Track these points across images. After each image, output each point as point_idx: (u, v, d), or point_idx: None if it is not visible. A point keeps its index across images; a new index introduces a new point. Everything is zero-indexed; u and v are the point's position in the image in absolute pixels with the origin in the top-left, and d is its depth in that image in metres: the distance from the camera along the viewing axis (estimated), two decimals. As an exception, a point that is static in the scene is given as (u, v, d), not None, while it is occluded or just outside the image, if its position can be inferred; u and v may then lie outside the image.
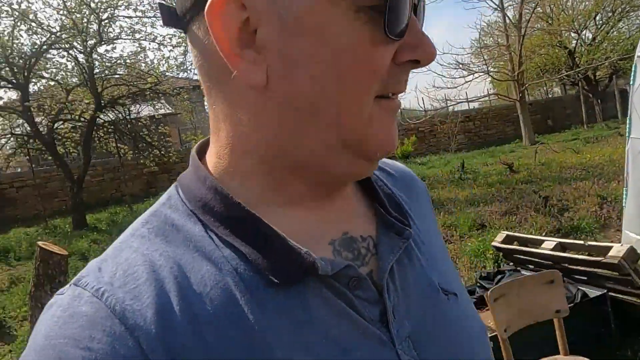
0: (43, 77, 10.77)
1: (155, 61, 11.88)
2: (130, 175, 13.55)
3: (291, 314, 0.44)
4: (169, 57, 12.31)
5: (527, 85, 16.78)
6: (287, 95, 0.44)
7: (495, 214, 6.79)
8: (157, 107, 13.07)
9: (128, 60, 11.14)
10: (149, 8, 10.65)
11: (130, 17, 12.12)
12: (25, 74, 9.87)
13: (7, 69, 9.85)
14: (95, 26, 9.93)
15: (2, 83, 10.02)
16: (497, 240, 3.91)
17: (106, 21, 10.09)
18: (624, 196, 3.67)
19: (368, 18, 0.41)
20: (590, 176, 8.07)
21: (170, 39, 10.78)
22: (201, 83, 0.49)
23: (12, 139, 11.14)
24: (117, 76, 11.40)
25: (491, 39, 19.87)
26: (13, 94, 10.56)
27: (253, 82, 0.43)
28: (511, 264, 3.91)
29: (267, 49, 0.43)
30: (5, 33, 9.71)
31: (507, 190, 8.26)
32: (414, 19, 0.44)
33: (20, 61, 9.83)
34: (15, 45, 9.73)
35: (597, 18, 16.78)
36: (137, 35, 10.67)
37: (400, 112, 12.50)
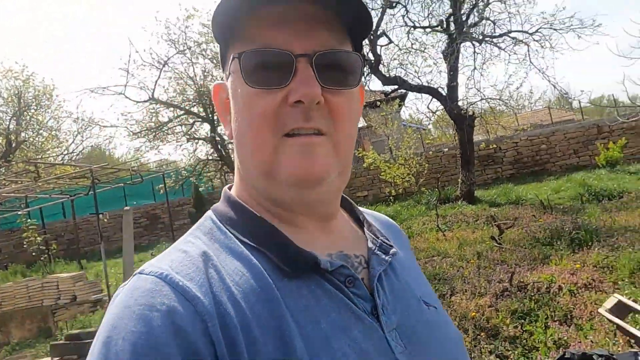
0: None
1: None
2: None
3: (301, 297, 0.58)
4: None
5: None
6: (235, 140, 0.67)
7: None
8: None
9: None
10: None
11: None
12: (210, 109, 11.76)
13: (200, 106, 11.92)
14: None
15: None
16: (606, 306, 3.03)
17: None
18: None
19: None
20: None
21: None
22: None
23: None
24: None
25: None
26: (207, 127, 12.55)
27: (228, 135, 0.69)
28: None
29: (232, 113, 0.67)
30: (200, 74, 11.75)
31: None
32: (301, 69, 0.60)
33: (207, 99, 11.60)
34: (206, 83, 11.69)
35: None
36: None
37: (616, 109, 10.79)
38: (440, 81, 11.13)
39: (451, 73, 10.65)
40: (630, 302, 3.12)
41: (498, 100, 11.49)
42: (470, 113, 10.68)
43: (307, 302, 0.58)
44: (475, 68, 11.09)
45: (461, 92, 11.46)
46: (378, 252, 0.70)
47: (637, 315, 3.11)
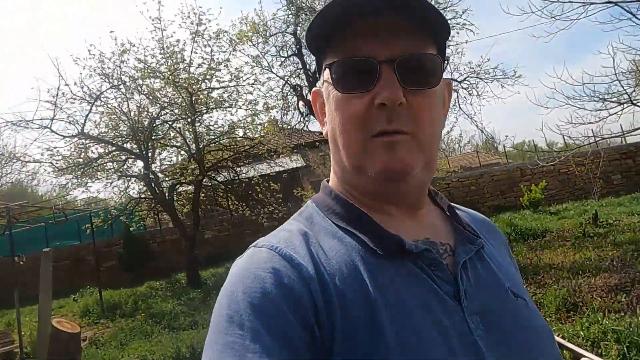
0: (166, 146, 12.02)
1: (253, 127, 12.01)
2: (251, 229, 14.18)
3: (388, 274, 0.65)
4: (264, 122, 11.92)
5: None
6: (330, 139, 0.76)
7: (599, 289, 5.14)
8: (270, 165, 13.77)
9: (226, 128, 11.87)
10: (237, 75, 11.23)
11: (218, 88, 11.52)
12: (145, 145, 11.20)
13: (134, 142, 11.22)
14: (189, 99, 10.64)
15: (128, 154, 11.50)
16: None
17: (198, 94, 10.73)
18: None
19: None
20: None
21: (256, 103, 11.31)
22: None
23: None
24: (213, 143, 12.05)
25: None
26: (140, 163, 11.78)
27: (325, 134, 0.78)
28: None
29: (327, 115, 0.76)
30: (135, 110, 11.21)
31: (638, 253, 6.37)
32: (385, 74, 0.66)
33: (141, 135, 11.06)
34: (141, 119, 11.14)
35: None
36: (226, 104, 11.32)
37: (536, 154, 11.23)
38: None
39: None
40: (558, 339, 3.22)
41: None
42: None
43: (393, 278, 0.65)
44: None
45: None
46: (464, 242, 0.75)
47: (564, 351, 3.21)
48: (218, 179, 12.59)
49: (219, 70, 10.89)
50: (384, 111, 0.66)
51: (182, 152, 12.23)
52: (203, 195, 12.62)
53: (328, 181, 0.82)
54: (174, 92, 10.89)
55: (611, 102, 12.19)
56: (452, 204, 0.85)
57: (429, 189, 0.81)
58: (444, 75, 0.73)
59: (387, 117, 0.66)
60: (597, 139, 12.89)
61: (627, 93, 12.63)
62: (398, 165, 0.67)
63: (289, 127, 12.38)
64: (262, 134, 11.99)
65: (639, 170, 14.98)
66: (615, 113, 11.95)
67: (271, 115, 11.78)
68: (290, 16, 10.24)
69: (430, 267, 0.67)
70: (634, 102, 12.41)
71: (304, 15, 10.15)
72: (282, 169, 14.68)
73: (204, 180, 11.75)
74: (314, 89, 0.83)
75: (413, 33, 0.68)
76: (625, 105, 11.91)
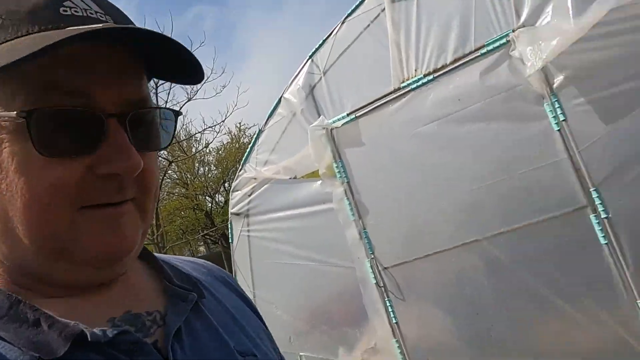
0: None
1: None
2: None
3: None
4: None
5: (167, 247, 15.49)
6: None
7: None
8: None
9: None
10: None
11: None
12: None
13: None
14: None
15: None
16: None
17: None
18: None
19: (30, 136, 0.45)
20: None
21: None
22: None
23: None
24: None
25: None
26: None
27: None
28: None
29: None
30: None
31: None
32: (115, 132, 0.48)
33: None
34: None
35: (226, 185, 18.01)
36: None
37: None
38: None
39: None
40: None
41: None
42: None
43: None
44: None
45: None
46: (176, 301, 0.59)
47: None
48: None
49: None
50: (113, 181, 0.50)
51: None
52: None
53: None
54: None
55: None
56: (162, 255, 0.69)
57: None
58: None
59: (117, 187, 0.51)
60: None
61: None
62: (122, 244, 0.52)
63: None
64: None
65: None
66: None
67: None
68: None
69: (131, 355, 0.50)
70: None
71: None
72: None
73: None
74: None
75: (138, 73, 0.53)
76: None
